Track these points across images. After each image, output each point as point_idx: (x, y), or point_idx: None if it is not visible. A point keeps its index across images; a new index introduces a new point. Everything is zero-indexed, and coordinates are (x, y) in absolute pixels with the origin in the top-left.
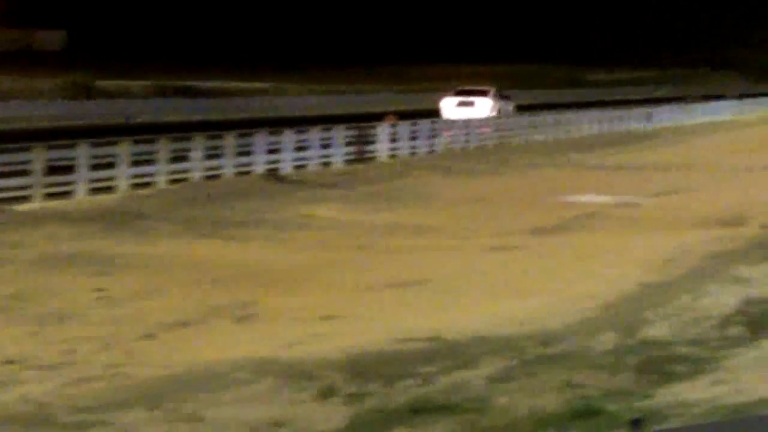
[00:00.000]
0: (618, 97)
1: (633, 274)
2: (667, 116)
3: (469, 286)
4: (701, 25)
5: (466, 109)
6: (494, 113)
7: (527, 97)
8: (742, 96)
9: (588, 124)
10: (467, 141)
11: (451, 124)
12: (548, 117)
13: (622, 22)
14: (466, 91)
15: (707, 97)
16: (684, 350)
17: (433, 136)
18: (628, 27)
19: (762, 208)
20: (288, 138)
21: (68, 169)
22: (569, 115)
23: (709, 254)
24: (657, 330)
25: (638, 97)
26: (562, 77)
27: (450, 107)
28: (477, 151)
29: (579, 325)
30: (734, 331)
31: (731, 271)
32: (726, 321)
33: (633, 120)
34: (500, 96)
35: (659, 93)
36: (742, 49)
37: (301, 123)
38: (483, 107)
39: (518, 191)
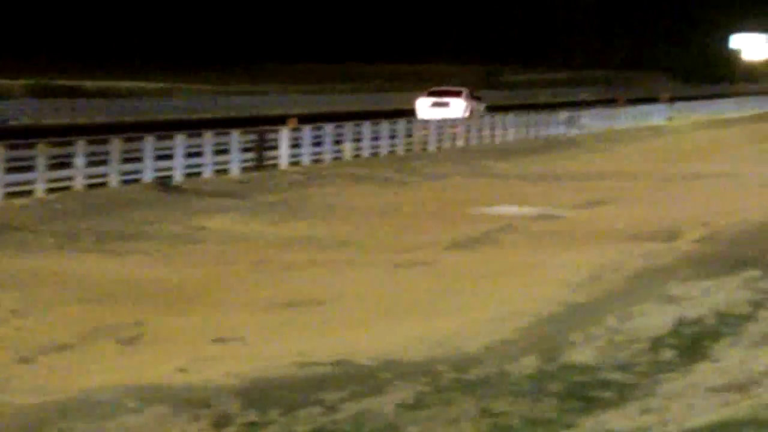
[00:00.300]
0: (540, 100)
1: (556, 292)
2: (592, 121)
3: (377, 305)
4: (628, 23)
5: (441, 110)
6: (467, 113)
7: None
8: (673, 99)
9: (506, 129)
10: (377, 148)
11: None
12: (460, 121)
13: (541, 19)
14: (440, 92)
15: (636, 101)
16: (611, 376)
17: (339, 141)
18: (548, 24)
19: (695, 221)
20: (180, 143)
21: None
22: (486, 120)
23: (639, 271)
24: (582, 354)
25: (562, 100)
26: (478, 78)
27: (424, 108)
28: (388, 157)
29: (497, 348)
30: (665, 355)
31: (663, 290)
32: (656, 344)
33: (556, 125)
34: (472, 96)
35: (584, 95)
36: (674, 48)
37: (195, 126)
38: (457, 108)
39: (431, 202)
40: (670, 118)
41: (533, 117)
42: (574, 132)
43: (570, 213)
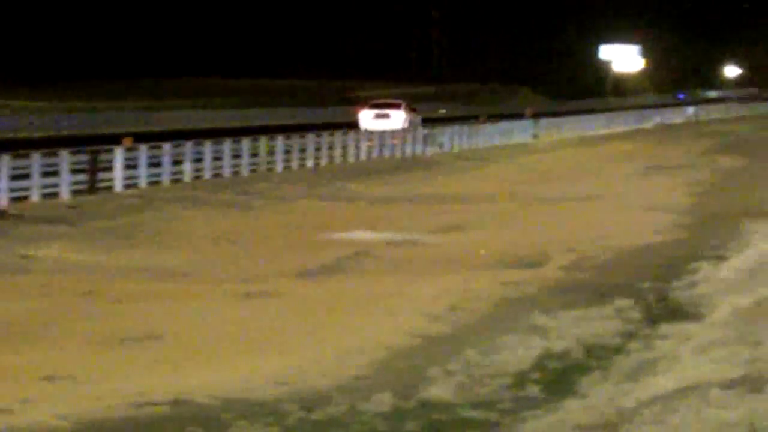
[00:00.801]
0: None
1: (413, 323)
2: (452, 139)
3: (219, 340)
4: (493, 36)
5: (383, 121)
6: (406, 125)
7: (279, 117)
8: (538, 115)
9: (359, 147)
10: (219, 168)
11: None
12: (310, 139)
13: (400, 34)
14: (381, 104)
15: (499, 117)
16: (471, 413)
17: (179, 162)
18: (406, 38)
19: (562, 246)
20: (4, 164)
21: None
22: (339, 137)
23: (503, 300)
24: (440, 389)
25: (422, 116)
26: (331, 93)
27: (368, 119)
28: (232, 179)
29: (349, 384)
30: (529, 390)
31: (528, 321)
32: (520, 379)
33: (412, 143)
34: (410, 109)
35: (443, 112)
36: (538, 59)
37: (22, 146)
38: (397, 119)
39: (279, 227)
40: (535, 136)
41: (389, 134)
42: (433, 151)
43: (429, 238)
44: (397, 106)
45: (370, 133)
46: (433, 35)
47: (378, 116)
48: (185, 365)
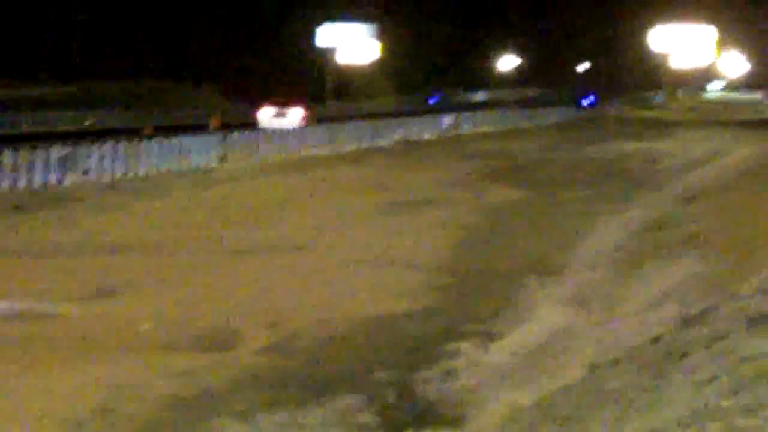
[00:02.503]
0: (24, 128)
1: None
2: (101, 161)
3: None
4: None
5: (281, 119)
6: (304, 123)
7: None
8: (227, 128)
9: None
10: None
11: None
12: None
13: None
14: (280, 102)
15: (171, 130)
16: None
17: None
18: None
19: (259, 318)
20: None
21: None
22: None
23: (174, 399)
24: None
25: (52, 129)
26: None
27: (267, 117)
28: None
29: None
30: None
31: (211, 428)
32: None
33: (43, 169)
34: (307, 107)
35: (89, 123)
36: (230, 49)
37: None
38: (295, 116)
39: None
40: (223, 158)
41: (9, 156)
42: (73, 179)
43: (68, 308)
44: (295, 104)
45: None
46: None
47: (277, 114)
48: None
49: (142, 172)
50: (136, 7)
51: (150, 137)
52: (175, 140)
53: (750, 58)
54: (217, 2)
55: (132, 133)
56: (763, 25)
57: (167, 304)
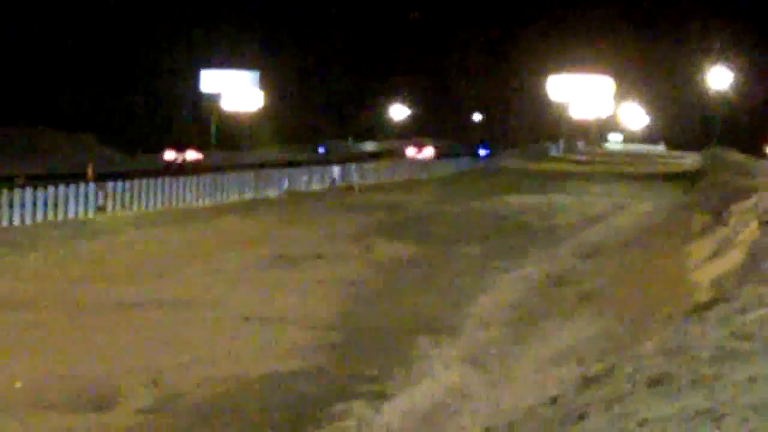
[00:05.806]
0: None
1: None
2: None
3: None
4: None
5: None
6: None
7: None
8: (105, 177)
9: None
10: None
11: None
12: None
13: None
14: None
15: (45, 178)
16: None
17: None
18: None
19: (140, 376)
20: None
21: None
22: None
23: None
24: None
25: None
26: None
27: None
28: None
29: None
30: None
31: None
32: None
33: None
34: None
35: None
36: (107, 95)
37: None
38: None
39: None
40: (101, 208)
41: None
42: None
43: None
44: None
45: None
46: None
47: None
48: None
49: (10, 223)
50: (5, 54)
51: (23, 186)
52: (50, 189)
53: (649, 111)
54: (92, 49)
55: (4, 182)
56: (658, 79)
57: (40, 361)
